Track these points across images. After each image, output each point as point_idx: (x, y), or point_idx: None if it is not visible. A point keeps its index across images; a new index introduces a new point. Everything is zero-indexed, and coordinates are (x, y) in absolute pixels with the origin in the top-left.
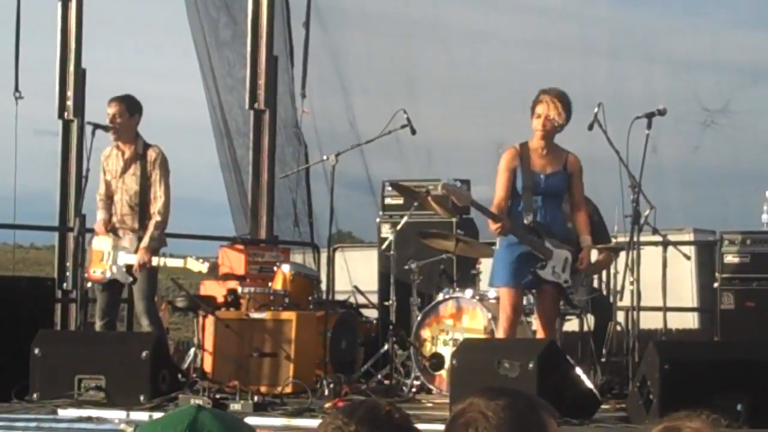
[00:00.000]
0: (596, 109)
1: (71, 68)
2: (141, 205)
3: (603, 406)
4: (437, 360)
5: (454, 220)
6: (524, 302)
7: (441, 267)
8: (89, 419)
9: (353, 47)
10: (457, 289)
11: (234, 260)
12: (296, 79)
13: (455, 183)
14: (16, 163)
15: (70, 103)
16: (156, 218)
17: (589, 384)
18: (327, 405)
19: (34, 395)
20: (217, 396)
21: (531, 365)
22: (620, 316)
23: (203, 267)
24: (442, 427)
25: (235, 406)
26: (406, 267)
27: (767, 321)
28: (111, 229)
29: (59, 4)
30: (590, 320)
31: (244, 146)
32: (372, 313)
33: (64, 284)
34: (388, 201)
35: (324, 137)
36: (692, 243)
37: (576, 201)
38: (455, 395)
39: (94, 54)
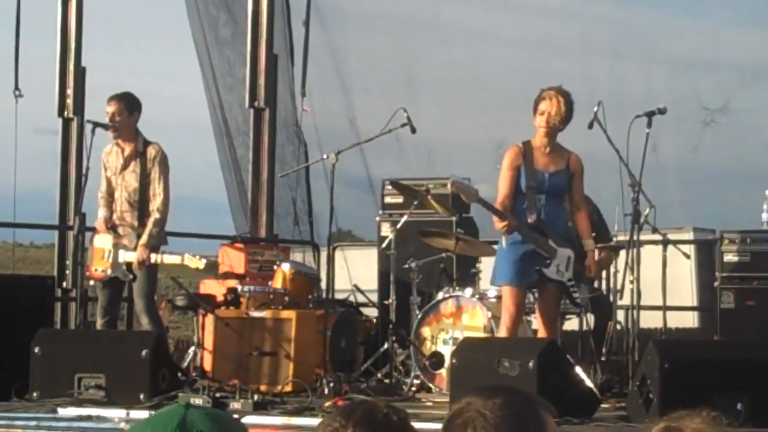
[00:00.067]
0: (596, 108)
1: (71, 67)
2: (140, 203)
3: (603, 405)
4: (437, 359)
5: (454, 218)
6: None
7: (441, 266)
8: (89, 418)
9: (353, 46)
10: (457, 287)
11: (234, 259)
12: (296, 78)
13: (463, 180)
14: (15, 162)
15: (69, 101)
16: (155, 216)
17: (589, 383)
18: (327, 404)
19: (34, 394)
20: (217, 395)
21: (531, 364)
22: (620, 315)
23: (200, 263)
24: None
25: (235, 405)
26: (406, 266)
27: (767, 320)
28: (111, 226)
29: (59, 3)
30: (590, 319)
31: (244, 145)
32: (372, 312)
33: (64, 283)
34: (388, 200)
35: (324, 136)
36: (692, 242)
37: (576, 201)
38: (455, 394)
39: (93, 52)
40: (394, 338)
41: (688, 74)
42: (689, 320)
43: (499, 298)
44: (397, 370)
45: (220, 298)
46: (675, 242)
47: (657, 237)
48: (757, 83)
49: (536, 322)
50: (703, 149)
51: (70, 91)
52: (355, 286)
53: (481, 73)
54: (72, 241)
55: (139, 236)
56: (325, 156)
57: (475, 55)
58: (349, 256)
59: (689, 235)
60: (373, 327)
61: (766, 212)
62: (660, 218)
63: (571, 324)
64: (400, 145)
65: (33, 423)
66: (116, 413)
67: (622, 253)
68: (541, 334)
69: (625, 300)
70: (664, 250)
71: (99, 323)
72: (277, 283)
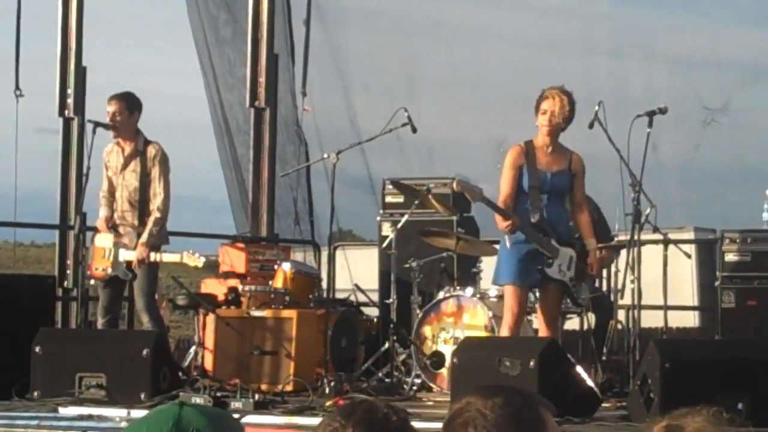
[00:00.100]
0: (597, 108)
1: (72, 66)
2: (141, 202)
3: (604, 405)
4: (438, 358)
5: (454, 218)
6: None
7: (442, 265)
8: (90, 417)
9: (354, 45)
10: (458, 287)
11: (235, 258)
12: (297, 78)
13: (469, 179)
14: (16, 161)
15: (70, 101)
16: (155, 215)
17: (589, 382)
18: (328, 403)
19: (35, 393)
20: (218, 394)
21: (532, 363)
22: (621, 315)
23: (199, 262)
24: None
25: (236, 404)
26: (407, 265)
27: None
28: (112, 225)
29: (60, 2)
30: (591, 318)
31: (244, 144)
32: (373, 312)
33: (65, 282)
34: (388, 199)
35: (325, 135)
36: (693, 241)
37: (578, 201)
38: (456, 393)
39: (94, 52)
40: (394, 338)
41: (688, 73)
42: (690, 320)
43: (499, 297)
44: (398, 370)
45: (220, 297)
46: (676, 242)
47: (658, 236)
48: (757, 83)
49: (537, 321)
50: (703, 149)
51: (70, 91)
52: (355, 285)
53: (481, 73)
54: (73, 241)
55: (139, 235)
56: (325, 155)
57: (476, 54)
58: (350, 255)
59: (690, 235)
60: (374, 326)
61: (767, 211)
62: (661, 218)
63: (572, 323)
64: (400, 144)
65: (34, 422)
66: (117, 412)
67: (623, 252)
68: (542, 333)
69: (626, 299)
70: (665, 249)
71: (100, 323)
72: (278, 282)
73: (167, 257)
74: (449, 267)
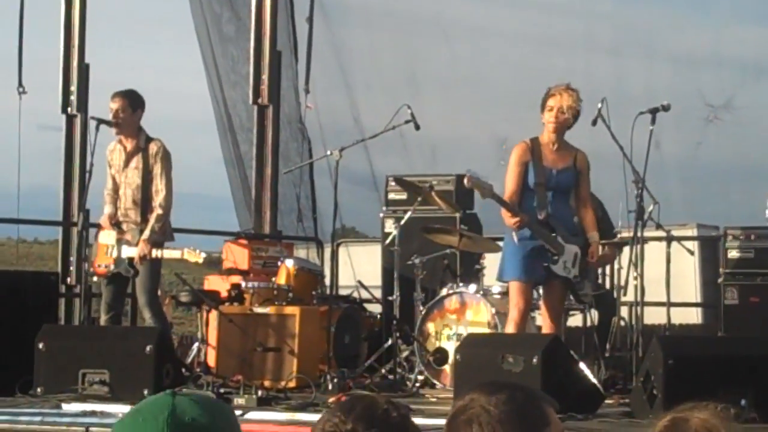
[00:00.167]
0: (600, 105)
1: (75, 63)
2: (143, 199)
3: (607, 401)
4: (441, 355)
5: (457, 215)
6: None
7: (445, 262)
8: (93, 413)
9: (357, 43)
10: (461, 283)
11: (238, 255)
12: (300, 75)
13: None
14: (19, 158)
15: (73, 98)
16: (157, 211)
17: (593, 379)
18: (330, 400)
19: (38, 389)
20: (221, 390)
21: (535, 360)
22: (624, 312)
23: (200, 258)
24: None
25: (239, 401)
26: (410, 262)
27: None
28: (115, 222)
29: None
30: (594, 315)
31: (247, 141)
32: (376, 308)
33: (68, 279)
34: (391, 196)
35: (328, 132)
36: (696, 238)
37: (583, 198)
38: (459, 390)
39: (97, 49)
40: (397, 334)
41: (690, 71)
42: (693, 316)
43: (503, 294)
44: (401, 366)
45: (224, 294)
46: (679, 239)
47: (661, 233)
48: (760, 80)
49: (540, 317)
50: (706, 146)
51: (73, 88)
52: (358, 282)
53: (483, 70)
54: (76, 238)
55: (141, 232)
56: (328, 152)
57: (479, 52)
58: (353, 252)
59: (693, 232)
60: (377, 323)
61: None
62: (664, 215)
63: (575, 320)
64: (403, 141)
65: (37, 418)
66: (120, 409)
67: (626, 249)
68: (546, 329)
69: (629, 296)
70: (668, 246)
71: (103, 319)
72: (281, 279)
73: (168, 253)
74: (452, 264)
